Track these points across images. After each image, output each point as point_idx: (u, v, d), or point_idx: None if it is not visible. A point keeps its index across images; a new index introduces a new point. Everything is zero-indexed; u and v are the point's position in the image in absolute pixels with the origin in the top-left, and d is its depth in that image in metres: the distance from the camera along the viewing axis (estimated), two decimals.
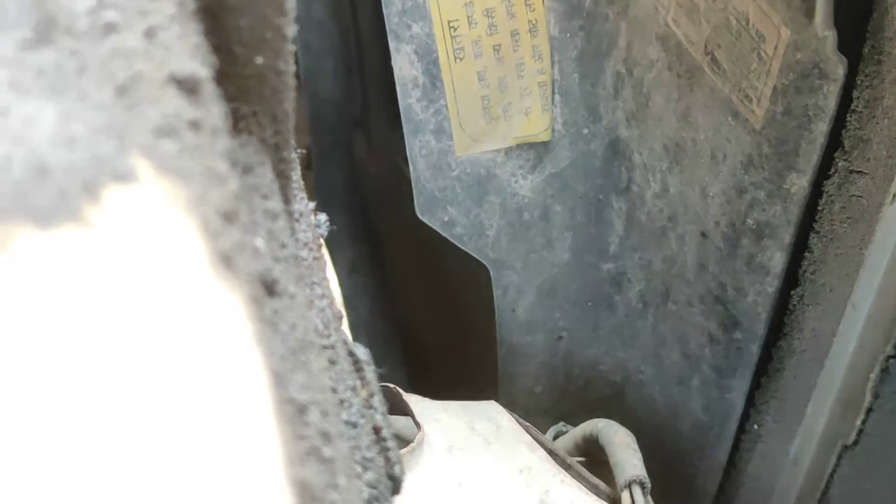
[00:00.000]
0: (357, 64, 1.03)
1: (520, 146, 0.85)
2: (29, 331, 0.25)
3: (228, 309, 0.28)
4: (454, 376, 1.07)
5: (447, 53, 0.81)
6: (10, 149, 0.27)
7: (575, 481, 0.69)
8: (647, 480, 0.74)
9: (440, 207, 0.86)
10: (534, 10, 0.80)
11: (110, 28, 0.30)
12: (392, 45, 0.80)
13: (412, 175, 0.85)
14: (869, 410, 0.79)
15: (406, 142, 0.84)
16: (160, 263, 0.27)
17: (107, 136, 0.28)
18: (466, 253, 0.89)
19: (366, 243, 1.17)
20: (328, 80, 1.08)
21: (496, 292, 0.91)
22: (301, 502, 0.29)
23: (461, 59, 0.81)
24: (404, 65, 0.81)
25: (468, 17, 0.80)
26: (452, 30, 0.80)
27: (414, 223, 0.89)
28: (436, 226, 0.86)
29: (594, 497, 0.69)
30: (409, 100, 0.82)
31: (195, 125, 0.30)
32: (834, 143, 0.69)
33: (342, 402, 0.43)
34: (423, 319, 1.15)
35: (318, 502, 0.32)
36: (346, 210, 1.21)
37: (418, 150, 0.84)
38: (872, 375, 0.77)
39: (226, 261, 0.29)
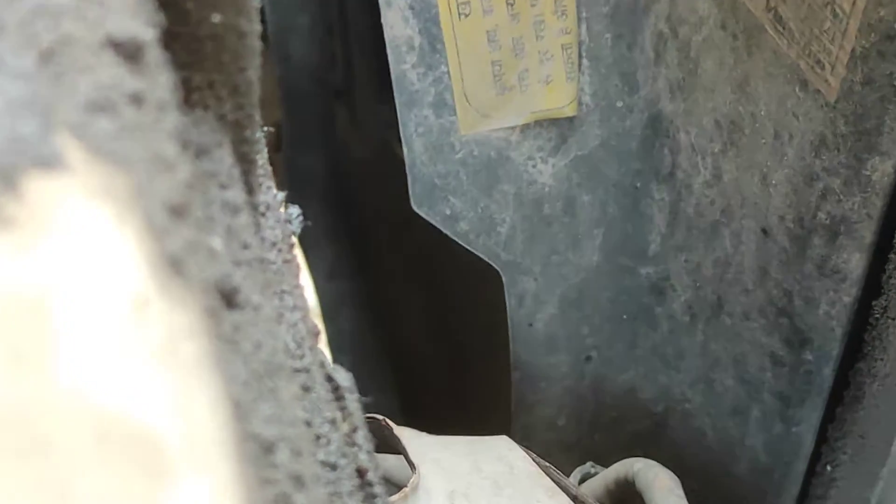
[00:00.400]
0: (338, 20, 1.03)
1: (539, 123, 0.85)
2: None
3: (178, 326, 0.29)
4: (457, 405, 1.07)
5: (450, 8, 0.81)
6: None
7: None
8: None
9: (441, 198, 0.86)
10: None
11: None
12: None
13: (406, 158, 0.85)
14: None
15: (399, 117, 0.84)
16: (92, 272, 0.27)
17: (28, 113, 0.28)
18: (473, 255, 0.89)
19: (348, 242, 1.17)
20: (303, 41, 1.08)
21: (510, 302, 0.91)
22: None
23: (467, 16, 0.81)
24: (397, 22, 0.81)
25: None
26: None
27: (408, 218, 0.88)
28: (435, 221, 0.86)
29: None
30: (403, 66, 0.82)
31: (137, 99, 0.31)
32: None
33: (318, 438, 0.43)
34: (419, 335, 1.15)
35: None
36: (324, 202, 1.20)
37: (414, 127, 0.84)
38: None
39: (175, 265, 0.29)
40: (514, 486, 0.69)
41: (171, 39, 0.35)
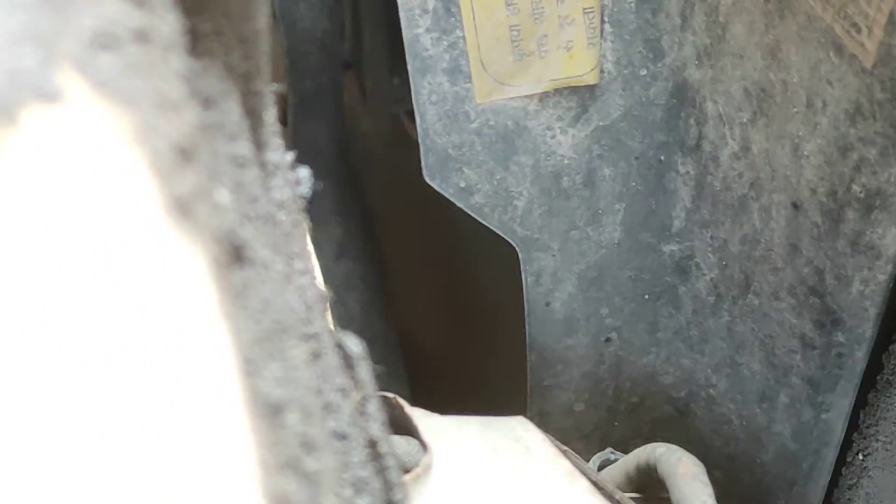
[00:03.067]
0: None
1: (558, 91, 0.85)
2: None
3: (189, 268, 0.28)
4: (469, 390, 1.07)
5: None
6: None
7: None
8: None
9: (454, 170, 0.86)
10: None
11: None
12: None
13: (419, 127, 0.85)
14: None
15: (412, 85, 0.84)
16: (97, 205, 0.27)
17: (29, 45, 0.28)
18: (488, 230, 0.89)
19: (357, 219, 1.17)
20: (310, 9, 1.08)
21: (526, 280, 0.91)
22: None
23: None
24: None
25: None
26: None
27: (420, 192, 0.89)
28: (448, 193, 0.86)
29: None
30: (416, 30, 0.82)
31: (143, 36, 0.30)
32: None
33: (328, 406, 0.43)
34: (430, 316, 1.15)
35: None
36: (331, 178, 1.21)
37: (427, 95, 0.84)
38: None
39: (183, 209, 0.29)
40: (531, 468, 0.69)
41: None
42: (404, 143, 0.94)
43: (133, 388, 0.26)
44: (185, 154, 0.30)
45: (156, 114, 0.29)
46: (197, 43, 0.38)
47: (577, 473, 0.70)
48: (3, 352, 0.25)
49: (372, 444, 0.46)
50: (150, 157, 0.28)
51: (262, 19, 0.41)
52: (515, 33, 0.83)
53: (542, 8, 0.82)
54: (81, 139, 0.27)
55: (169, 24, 0.32)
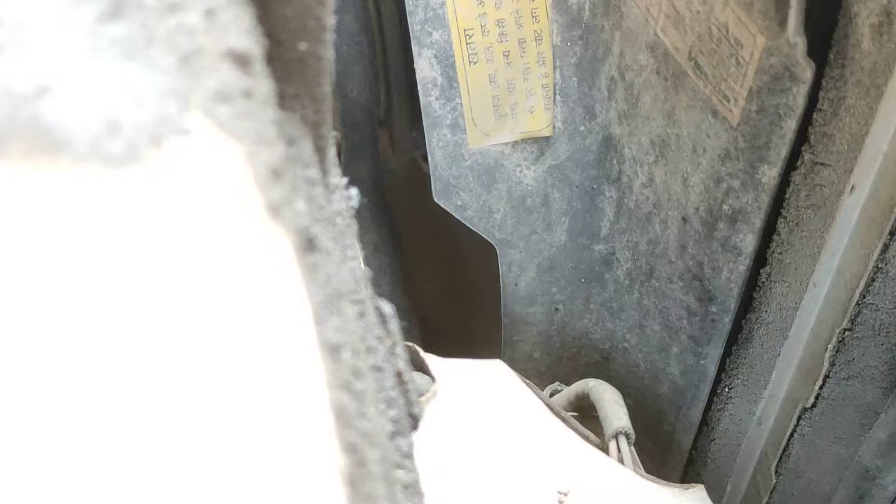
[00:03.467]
0: (382, 69, 1.03)
1: (524, 140, 0.85)
2: (98, 251, 0.25)
3: (281, 249, 0.29)
4: (463, 341, 1.07)
5: (463, 58, 0.81)
6: (88, 106, 0.27)
7: (572, 431, 0.69)
8: (631, 432, 0.75)
9: (454, 193, 0.86)
10: (539, 21, 0.80)
11: (175, 6, 0.30)
12: (415, 49, 0.81)
13: (430, 164, 0.85)
14: (826, 377, 0.79)
15: (426, 135, 0.84)
16: (217, 203, 0.27)
17: (172, 98, 0.28)
18: (476, 234, 0.89)
19: (387, 227, 1.17)
20: (357, 84, 1.08)
21: (501, 269, 0.91)
22: (338, 422, 0.29)
23: (475, 63, 0.81)
24: (425, 67, 0.81)
25: (481, 27, 0.80)
26: (468, 37, 0.80)
27: (428, 211, 0.89)
28: (450, 209, 0.87)
29: (586, 444, 0.69)
30: (429, 98, 0.82)
31: (248, 94, 0.31)
32: (801, 138, 0.69)
33: (369, 348, 0.43)
34: (436, 293, 1.15)
35: (351, 427, 0.32)
36: (370, 199, 1.21)
37: (436, 142, 0.84)
38: (830, 346, 0.77)
39: (275, 211, 0.29)
40: (506, 394, 0.70)
41: (270, 60, 0.35)
42: (420, 176, 0.94)
43: (246, 330, 0.26)
44: (276, 174, 0.30)
45: (257, 146, 0.29)
46: (283, 100, 0.38)
47: (536, 399, 0.71)
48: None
49: (398, 375, 0.46)
50: (254, 174, 0.29)
51: (327, 87, 0.41)
52: (496, 101, 0.83)
53: (515, 84, 0.82)
54: (208, 161, 0.27)
55: (265, 87, 0.32)
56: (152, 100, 0.28)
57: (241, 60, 0.31)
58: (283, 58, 0.38)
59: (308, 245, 0.36)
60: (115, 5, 0.29)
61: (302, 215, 0.36)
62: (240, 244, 0.27)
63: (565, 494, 0.59)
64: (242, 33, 0.32)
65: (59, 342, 0.24)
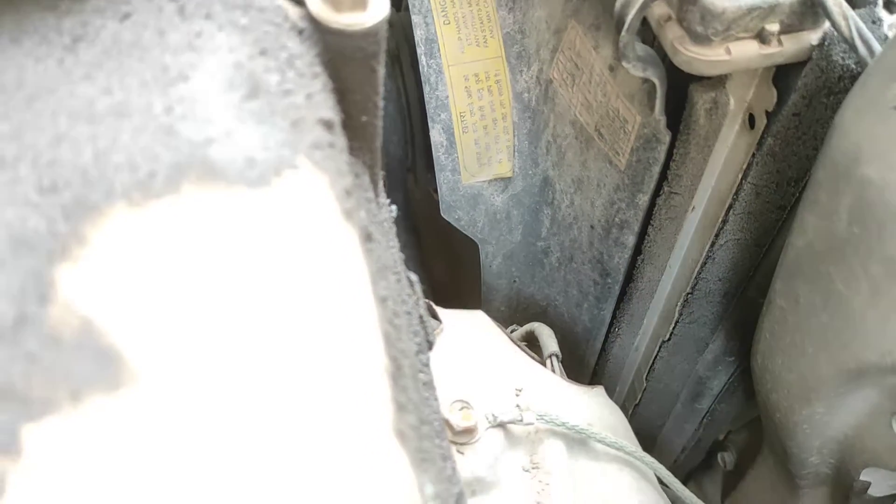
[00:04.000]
0: (410, 137, 1.03)
1: (496, 179, 0.85)
2: (243, 238, 0.25)
3: (353, 239, 0.29)
4: (458, 302, 1.07)
5: (459, 129, 0.80)
6: (236, 150, 0.27)
7: (524, 354, 0.69)
8: (559, 354, 0.74)
9: (454, 210, 0.86)
10: (504, 107, 0.80)
11: (288, 92, 0.30)
12: (430, 125, 0.80)
13: (439, 193, 0.85)
14: (676, 322, 0.78)
15: (436, 177, 0.84)
16: (314, 209, 0.27)
17: (286, 147, 0.28)
18: (467, 236, 0.89)
19: (412, 232, 1.16)
20: (394, 147, 1.07)
21: (482, 257, 0.91)
22: (386, 342, 0.29)
23: (466, 132, 0.81)
24: (437, 136, 0.81)
25: (470, 111, 0.80)
26: (462, 117, 0.80)
27: (438, 222, 0.88)
28: (452, 220, 0.86)
29: (533, 362, 0.68)
30: (439, 153, 0.82)
31: (332, 145, 0.30)
32: (662, 177, 0.69)
33: (403, 300, 0.43)
34: (442, 272, 1.15)
35: (393, 345, 0.32)
36: (402, 214, 1.20)
37: (442, 180, 0.84)
38: (679, 303, 0.76)
39: (348, 215, 0.29)
40: (486, 332, 0.69)
41: (344, 126, 0.34)
42: (432, 202, 0.94)
43: (335, 284, 0.26)
44: (348, 193, 0.30)
45: (337, 176, 0.29)
46: (352, 151, 0.38)
47: (503, 335, 0.70)
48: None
49: (420, 317, 0.46)
50: (335, 193, 0.28)
51: (378, 144, 0.41)
52: (478, 156, 0.82)
53: (489, 145, 0.82)
54: (309, 184, 0.27)
55: (341, 142, 0.32)
56: (274, 147, 0.27)
57: (328, 125, 0.31)
58: (352, 125, 0.38)
59: (367, 237, 0.35)
60: (253, 90, 0.29)
61: (363, 219, 0.35)
62: (328, 233, 0.27)
63: (520, 390, 0.59)
64: (329, 109, 0.31)
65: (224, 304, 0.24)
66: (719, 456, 0.95)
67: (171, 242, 0.25)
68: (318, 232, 0.27)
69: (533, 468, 0.53)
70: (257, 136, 0.28)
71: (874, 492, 0.62)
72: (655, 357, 0.84)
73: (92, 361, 0.22)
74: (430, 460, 0.29)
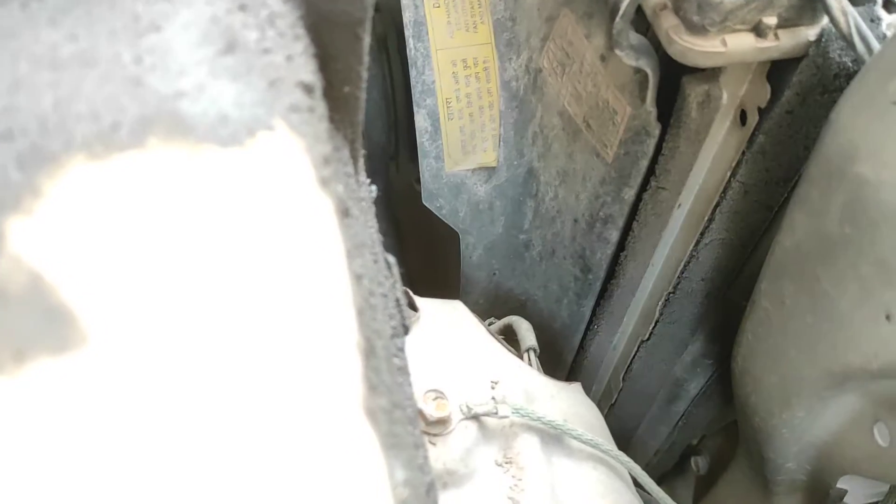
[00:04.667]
0: (394, 123, 1.01)
1: (480, 168, 0.83)
2: (210, 196, 0.24)
3: (328, 208, 0.27)
4: (435, 292, 1.07)
5: (444, 116, 0.79)
6: (208, 106, 0.25)
7: (501, 346, 0.68)
8: (537, 349, 0.73)
9: (435, 199, 0.84)
10: (491, 95, 0.79)
11: (267, 51, 0.28)
12: (415, 109, 0.79)
13: (421, 180, 0.83)
14: (657, 322, 0.78)
15: (419, 162, 0.82)
16: (288, 174, 0.25)
17: (262, 107, 0.26)
18: (447, 225, 0.87)
19: (391, 224, 1.15)
20: (377, 133, 1.06)
21: (462, 247, 0.90)
22: (359, 319, 0.27)
23: (451, 119, 0.79)
24: (421, 121, 0.79)
25: (456, 97, 0.79)
26: (447, 103, 0.79)
27: (418, 213, 0.87)
28: (433, 208, 0.85)
29: (511, 355, 0.67)
30: (423, 139, 0.80)
31: (311, 109, 0.29)
32: (650, 171, 0.68)
33: (379, 282, 0.41)
34: (420, 261, 1.14)
35: (366, 324, 0.30)
36: (382, 202, 1.19)
37: (426, 167, 0.82)
38: (660, 302, 0.76)
39: (324, 183, 0.28)
40: (463, 322, 0.68)
41: (325, 95, 0.33)
42: (412, 192, 0.92)
43: (307, 255, 0.25)
44: (326, 160, 0.28)
45: (315, 142, 0.28)
46: (332, 122, 0.37)
47: (481, 326, 0.69)
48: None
49: (397, 301, 0.44)
50: (311, 159, 0.27)
51: (360, 118, 0.39)
52: (463, 143, 0.81)
53: (475, 133, 0.81)
54: (284, 147, 0.25)
55: (321, 108, 0.30)
56: (249, 105, 0.26)
57: (308, 89, 0.29)
58: (333, 95, 0.36)
59: (345, 212, 0.34)
60: (229, 46, 0.27)
61: (341, 192, 0.34)
62: (301, 200, 0.25)
63: (496, 382, 0.58)
64: (310, 72, 0.30)
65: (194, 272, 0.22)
66: (693, 460, 0.94)
67: (133, 199, 0.23)
68: (291, 197, 0.26)
69: (506, 463, 0.52)
70: (231, 93, 0.26)
71: (850, 500, 0.62)
72: (634, 357, 0.83)
73: (39, 319, 0.20)
74: (401, 446, 0.28)
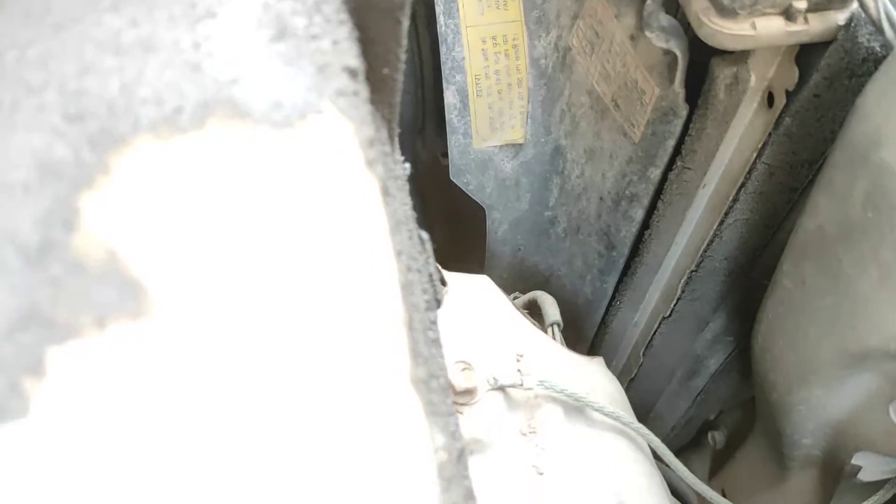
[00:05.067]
0: (421, 98, 1.02)
1: (507, 145, 0.84)
2: (266, 175, 0.25)
3: (375, 188, 0.28)
4: (462, 267, 1.08)
5: (473, 92, 0.80)
6: (262, 91, 0.27)
7: (525, 319, 0.69)
8: (560, 323, 0.74)
9: (463, 175, 0.86)
10: (520, 72, 0.79)
11: (315, 37, 0.30)
12: (445, 86, 0.80)
13: (449, 156, 0.84)
14: (678, 299, 0.79)
15: (448, 138, 0.83)
16: (338, 155, 0.27)
17: (312, 91, 0.28)
18: (474, 200, 0.88)
19: (417, 198, 1.16)
20: (405, 108, 1.07)
21: (488, 223, 0.91)
22: (403, 293, 0.29)
23: (480, 96, 0.80)
24: (450, 97, 0.80)
25: (485, 75, 0.79)
26: (477, 80, 0.79)
27: (443, 187, 0.88)
28: (460, 184, 0.86)
29: (536, 329, 0.69)
30: (451, 115, 0.81)
31: (356, 93, 0.30)
32: (676, 151, 0.68)
33: (415, 257, 0.43)
34: (447, 234, 1.15)
35: (407, 299, 0.32)
36: (411, 175, 1.20)
37: (454, 143, 0.83)
38: (682, 280, 0.77)
39: (370, 164, 0.29)
40: (490, 295, 0.69)
41: (366, 77, 0.34)
42: (440, 166, 0.93)
43: (356, 230, 0.26)
44: (371, 142, 0.30)
45: (360, 124, 0.29)
46: (372, 103, 0.38)
47: (507, 300, 0.70)
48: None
49: (430, 276, 0.46)
50: (358, 141, 0.28)
51: (398, 98, 0.40)
52: (491, 120, 0.82)
53: (503, 110, 0.81)
54: (333, 129, 0.27)
55: (364, 91, 0.32)
56: (300, 90, 0.27)
57: (352, 73, 0.31)
58: (373, 77, 0.37)
59: (385, 191, 0.35)
60: (280, 32, 0.28)
61: (382, 172, 0.35)
62: (351, 180, 0.27)
63: (521, 355, 0.59)
64: (354, 56, 0.31)
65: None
66: (710, 435, 0.96)
67: (196, 178, 0.25)
68: (342, 178, 0.27)
69: (530, 433, 0.54)
70: (283, 79, 0.28)
71: (864, 476, 0.63)
72: (654, 333, 0.85)
73: (116, 290, 0.22)
74: (438, 413, 0.30)
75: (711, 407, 0.93)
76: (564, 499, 0.52)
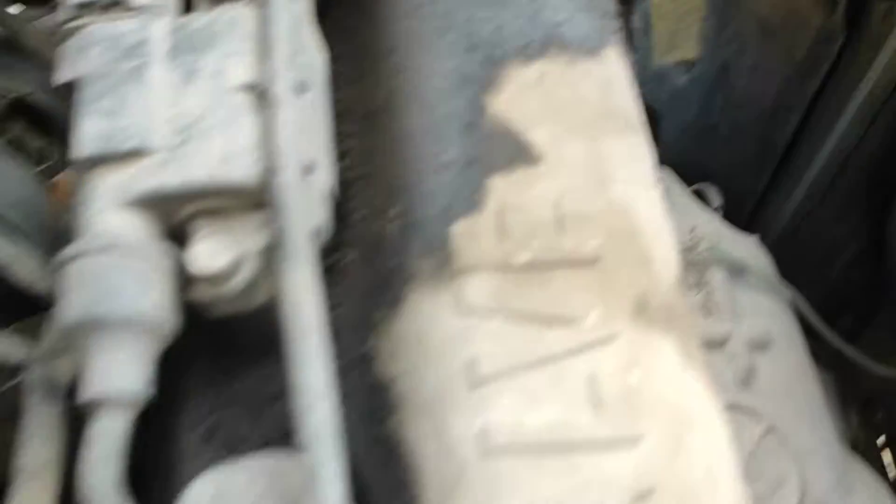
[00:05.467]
0: None
1: (682, 62, 0.90)
2: None
3: (641, 108, 0.44)
4: None
5: (656, 16, 0.88)
6: (577, 31, 0.43)
7: (697, 203, 0.80)
8: (724, 206, 0.83)
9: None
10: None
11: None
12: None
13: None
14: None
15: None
16: (625, 77, 0.43)
17: (605, 31, 0.44)
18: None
19: None
20: None
21: (659, 129, 0.93)
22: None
23: (661, 19, 0.88)
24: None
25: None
26: (659, 7, 0.87)
27: None
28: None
29: (705, 210, 0.80)
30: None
31: (617, 31, 0.46)
32: (831, 71, 0.77)
33: None
34: None
35: None
36: None
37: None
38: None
39: (633, 85, 0.45)
40: (671, 182, 0.81)
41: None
42: None
43: None
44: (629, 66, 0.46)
45: (624, 55, 0.45)
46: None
47: (680, 186, 0.82)
48: None
49: None
50: (628, 66, 0.44)
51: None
52: (670, 38, 0.91)
53: (679, 32, 0.88)
54: (617, 59, 0.43)
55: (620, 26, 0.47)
56: (597, 30, 0.43)
57: (616, 15, 0.46)
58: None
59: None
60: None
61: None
62: (633, 95, 0.43)
63: (694, 227, 0.72)
64: (613, 2, 0.46)
65: None
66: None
67: (544, 89, 0.42)
68: (631, 94, 0.43)
69: (699, 286, 0.69)
70: (587, 22, 0.44)
71: None
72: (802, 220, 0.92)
73: (514, 148, 0.40)
74: None
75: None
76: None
